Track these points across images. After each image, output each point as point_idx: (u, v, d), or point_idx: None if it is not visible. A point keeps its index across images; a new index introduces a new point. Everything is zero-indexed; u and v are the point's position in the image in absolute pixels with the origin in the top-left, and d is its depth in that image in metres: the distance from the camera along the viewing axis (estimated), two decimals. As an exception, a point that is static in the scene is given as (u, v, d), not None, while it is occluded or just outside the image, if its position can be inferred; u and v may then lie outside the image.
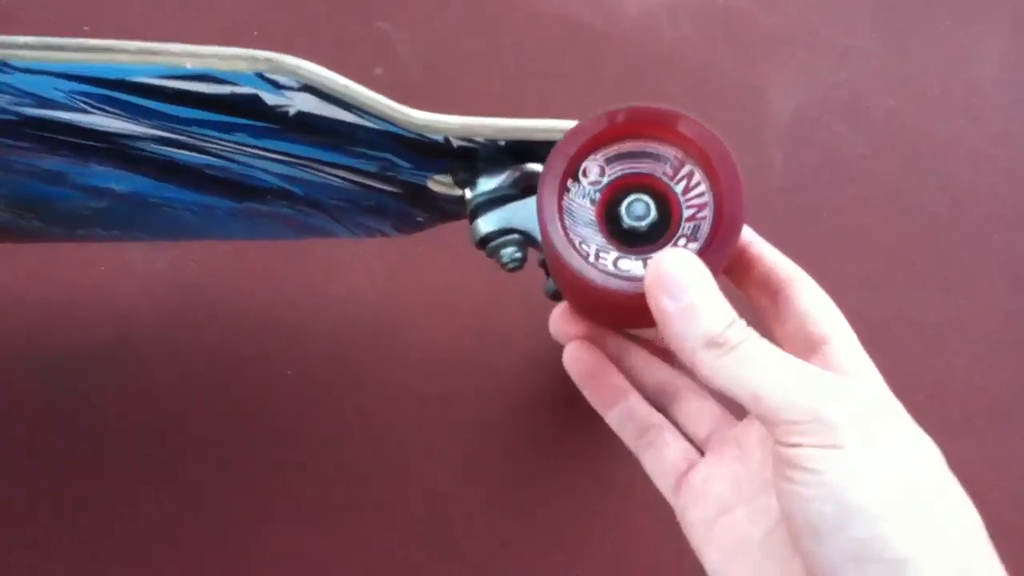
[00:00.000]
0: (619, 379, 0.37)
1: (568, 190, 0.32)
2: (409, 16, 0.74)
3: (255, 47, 0.73)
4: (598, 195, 0.33)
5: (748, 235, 0.35)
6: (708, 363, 0.29)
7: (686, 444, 0.37)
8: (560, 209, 0.32)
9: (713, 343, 0.29)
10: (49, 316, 0.63)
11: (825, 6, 0.73)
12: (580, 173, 0.33)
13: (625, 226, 0.32)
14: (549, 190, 0.32)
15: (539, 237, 0.35)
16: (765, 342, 0.30)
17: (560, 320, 0.38)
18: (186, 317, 0.63)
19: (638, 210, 0.32)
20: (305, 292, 0.63)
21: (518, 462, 0.58)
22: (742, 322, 0.30)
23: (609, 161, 0.33)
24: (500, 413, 0.60)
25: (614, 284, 0.31)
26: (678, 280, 0.29)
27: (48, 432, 0.59)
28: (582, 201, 0.32)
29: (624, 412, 0.37)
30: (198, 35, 0.74)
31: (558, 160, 0.32)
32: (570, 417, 0.59)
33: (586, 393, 0.38)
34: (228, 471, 0.58)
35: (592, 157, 0.33)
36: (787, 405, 0.28)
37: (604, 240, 0.32)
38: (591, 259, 0.32)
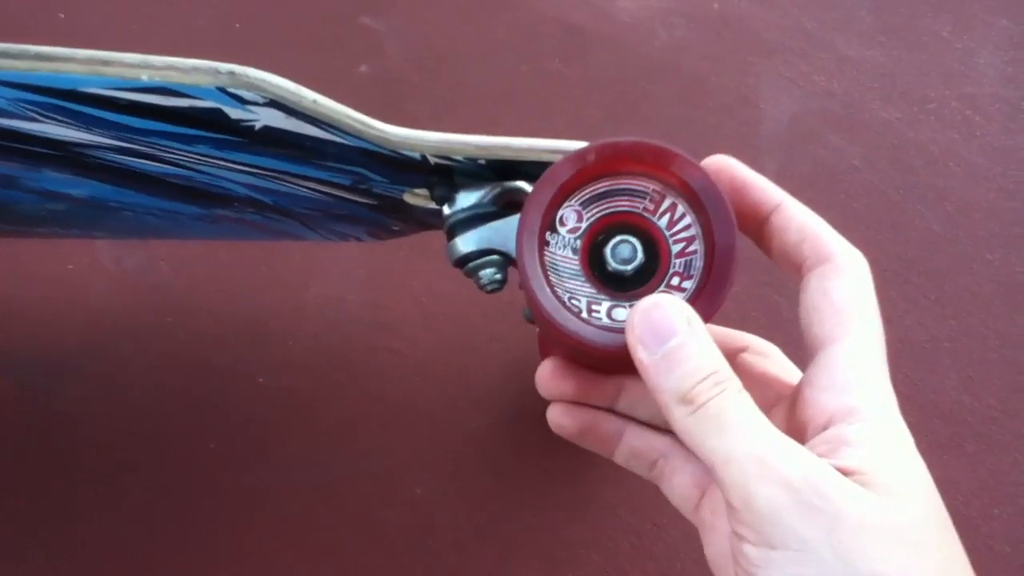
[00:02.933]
0: (610, 422, 0.34)
1: (547, 243, 0.30)
2: (395, 12, 0.72)
3: (236, 40, 0.71)
4: (579, 242, 0.30)
5: (777, 195, 0.30)
6: (678, 420, 0.26)
7: (696, 466, 0.33)
8: (543, 267, 0.30)
9: (684, 399, 0.26)
10: (14, 314, 0.61)
11: (822, 15, 0.71)
12: (557, 222, 0.30)
13: (612, 270, 0.30)
14: (529, 250, 0.30)
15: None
16: (738, 401, 0.26)
17: (549, 381, 0.34)
18: (156, 320, 0.61)
19: (624, 252, 0.30)
20: (282, 297, 0.61)
21: (502, 476, 0.57)
22: (723, 374, 0.26)
23: (585, 204, 0.31)
24: (484, 426, 0.58)
25: (610, 339, 0.29)
26: (652, 329, 0.27)
27: (14, 432, 0.57)
28: (564, 252, 0.30)
29: (625, 451, 0.34)
30: (180, 25, 0.72)
31: (532, 214, 0.30)
32: (553, 431, 0.58)
33: (584, 446, 0.35)
34: (199, 482, 0.56)
35: (567, 204, 0.31)
36: (731, 485, 0.25)
37: (594, 290, 0.30)
38: (583, 315, 0.29)
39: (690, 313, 0.27)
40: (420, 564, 0.54)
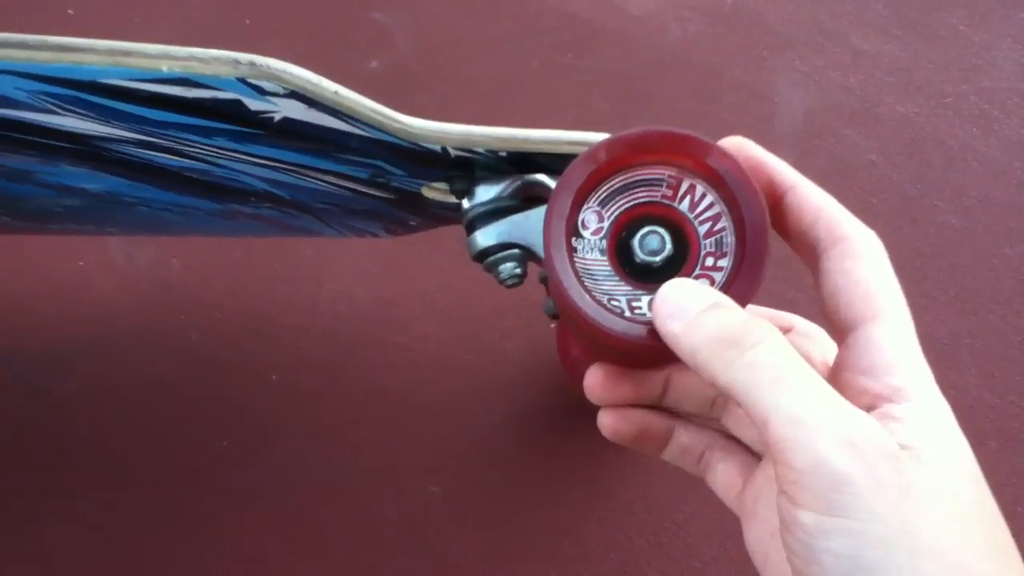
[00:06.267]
0: (661, 421, 0.34)
1: (575, 250, 0.30)
2: (405, 6, 0.72)
3: (246, 35, 0.71)
4: (604, 243, 0.30)
5: (791, 176, 0.30)
6: (727, 370, 0.25)
7: (741, 457, 0.33)
8: (577, 275, 0.29)
9: (727, 342, 0.25)
10: (25, 311, 0.61)
11: (837, 8, 0.71)
12: (579, 226, 0.30)
13: (643, 263, 0.30)
14: (560, 261, 0.29)
15: (541, 252, 0.33)
16: (791, 350, 0.25)
17: (604, 390, 0.33)
18: (166, 316, 0.60)
19: (652, 244, 0.29)
20: (292, 293, 0.61)
21: (511, 474, 0.56)
22: (764, 321, 0.26)
23: (603, 203, 0.30)
24: (493, 423, 0.57)
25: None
26: (677, 302, 0.27)
27: (16, 431, 0.57)
28: (592, 255, 0.30)
29: (675, 450, 0.34)
30: (192, 21, 0.71)
31: (555, 224, 0.29)
32: (566, 428, 0.57)
33: (635, 448, 0.34)
34: (204, 479, 0.56)
35: (586, 207, 0.30)
36: (792, 443, 0.24)
37: (630, 287, 0.29)
38: (627, 314, 0.29)
39: (713, 290, 0.27)
40: (429, 562, 0.54)
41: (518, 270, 0.37)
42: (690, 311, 0.27)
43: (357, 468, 0.56)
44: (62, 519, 0.55)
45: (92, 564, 0.54)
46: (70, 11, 0.72)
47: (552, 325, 0.58)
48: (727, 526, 0.53)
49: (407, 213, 0.45)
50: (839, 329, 0.29)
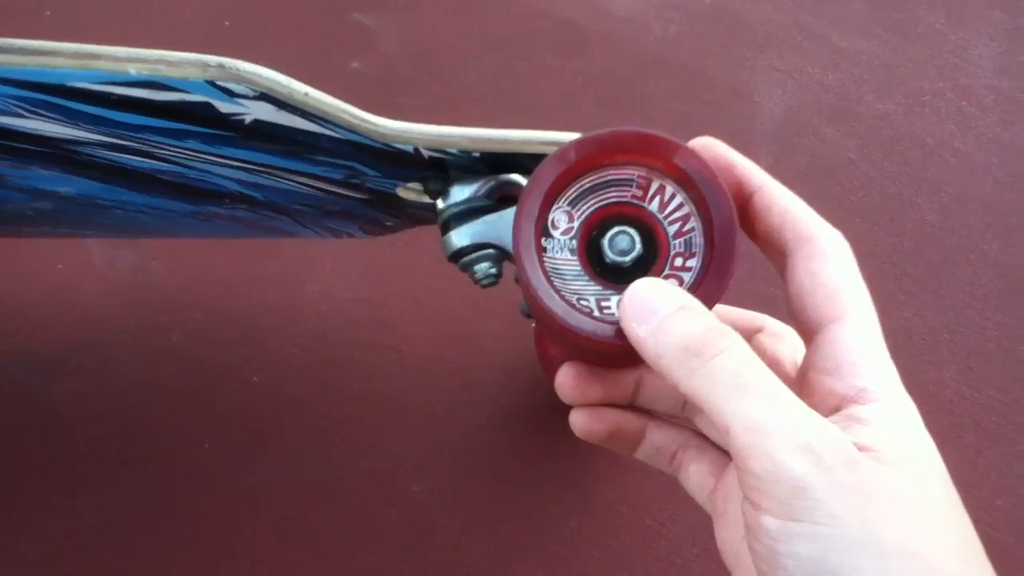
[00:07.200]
0: (634, 421, 0.34)
1: (545, 249, 0.30)
2: (387, 7, 0.72)
3: (226, 37, 0.71)
4: (575, 242, 0.30)
5: (759, 177, 0.30)
6: (689, 378, 0.25)
7: (713, 456, 0.33)
8: (546, 274, 0.29)
9: (690, 351, 0.25)
10: (11, 314, 0.60)
11: (816, 7, 0.71)
12: (550, 226, 0.30)
13: (612, 263, 0.30)
14: (529, 260, 0.29)
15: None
16: (753, 358, 0.26)
17: (574, 389, 0.33)
18: (149, 319, 0.60)
19: (621, 244, 0.30)
20: (275, 295, 0.61)
21: (501, 474, 0.56)
22: (728, 329, 0.26)
23: (573, 203, 0.30)
24: (482, 423, 0.58)
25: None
26: (644, 304, 0.27)
27: (12, 433, 0.57)
28: (562, 255, 0.30)
29: (648, 449, 0.34)
30: (168, 22, 0.71)
31: (525, 224, 0.30)
32: (554, 428, 0.57)
33: (607, 447, 0.34)
34: (193, 481, 0.56)
35: (555, 206, 0.30)
36: (752, 450, 0.24)
37: (599, 287, 0.30)
38: (595, 314, 0.29)
39: (681, 291, 0.27)
40: (418, 563, 0.54)
41: (493, 270, 0.38)
42: (656, 313, 0.27)
43: (344, 469, 0.56)
44: (51, 518, 0.55)
45: (91, 564, 0.54)
46: (48, 12, 0.71)
47: (533, 325, 0.58)
48: (709, 524, 0.53)
49: (383, 214, 0.45)
50: (806, 330, 0.29)
